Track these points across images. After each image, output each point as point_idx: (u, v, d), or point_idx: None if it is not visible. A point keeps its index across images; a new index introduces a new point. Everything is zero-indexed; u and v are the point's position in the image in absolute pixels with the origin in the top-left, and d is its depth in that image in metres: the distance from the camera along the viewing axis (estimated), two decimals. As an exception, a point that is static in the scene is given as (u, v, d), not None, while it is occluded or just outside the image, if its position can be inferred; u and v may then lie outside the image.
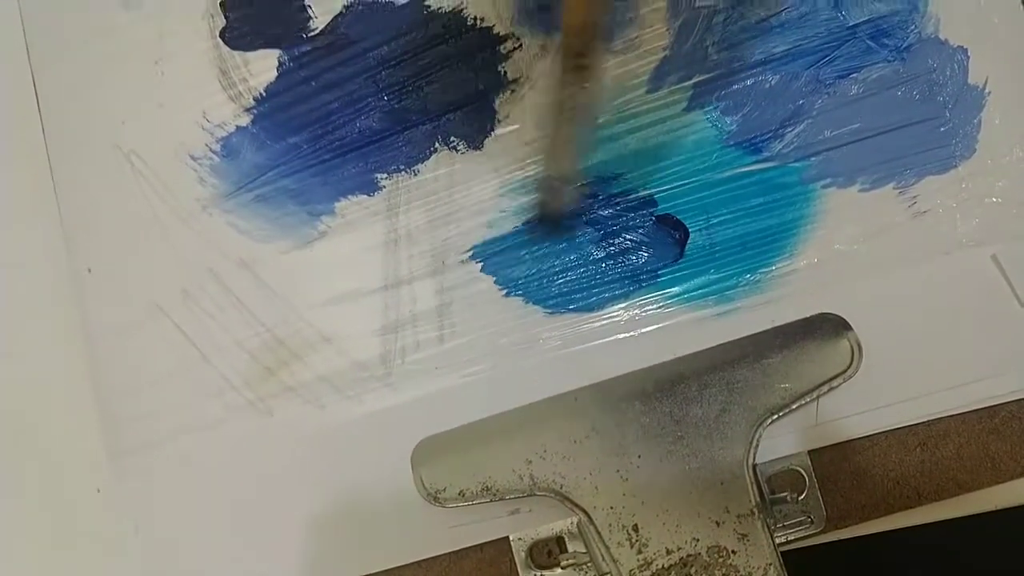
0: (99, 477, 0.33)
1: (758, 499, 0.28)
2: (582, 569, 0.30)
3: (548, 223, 0.31)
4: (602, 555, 0.28)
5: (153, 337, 0.33)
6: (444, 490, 0.30)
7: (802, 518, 0.31)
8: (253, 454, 0.32)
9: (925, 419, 0.30)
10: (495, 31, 0.33)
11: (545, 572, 0.31)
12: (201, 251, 0.33)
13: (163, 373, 0.33)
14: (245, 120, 0.34)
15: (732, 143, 0.32)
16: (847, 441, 0.31)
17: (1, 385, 0.34)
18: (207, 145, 0.34)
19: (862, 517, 0.31)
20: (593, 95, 0.28)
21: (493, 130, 0.33)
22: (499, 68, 0.32)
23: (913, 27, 0.32)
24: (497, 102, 0.33)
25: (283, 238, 0.33)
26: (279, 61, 0.33)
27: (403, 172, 0.33)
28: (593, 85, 0.27)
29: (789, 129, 0.32)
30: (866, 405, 0.31)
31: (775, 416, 0.29)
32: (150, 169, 0.34)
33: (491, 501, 0.30)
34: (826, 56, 0.32)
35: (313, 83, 0.33)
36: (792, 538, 0.30)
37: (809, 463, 0.31)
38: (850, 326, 0.30)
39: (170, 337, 0.33)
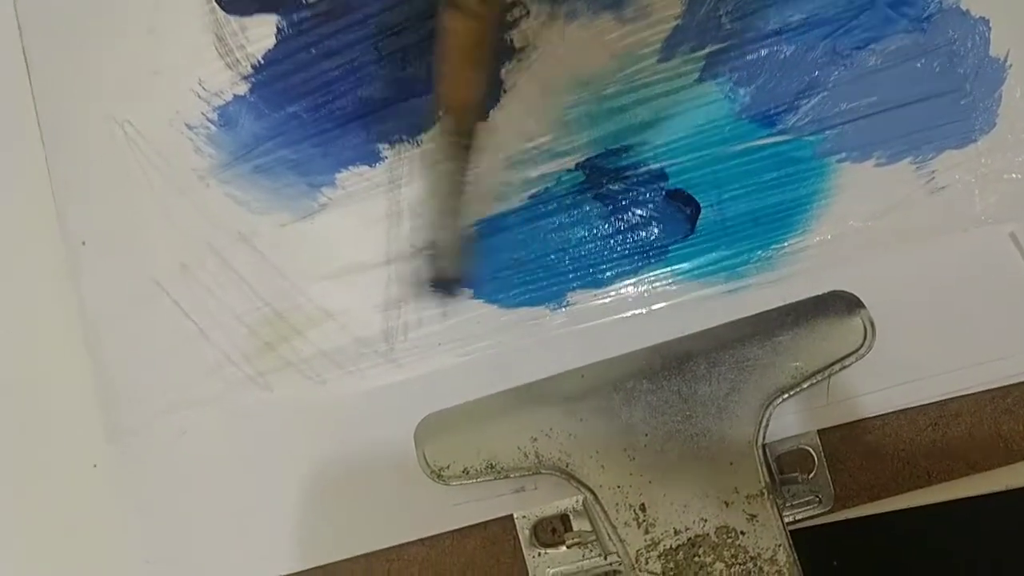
0: (96, 453, 0.33)
1: (767, 480, 0.28)
2: (587, 548, 0.30)
3: (440, 286, 0.31)
4: (609, 534, 0.28)
5: (150, 311, 0.33)
6: (448, 467, 0.29)
7: (810, 497, 0.30)
8: (253, 429, 0.32)
9: (937, 399, 0.30)
10: (501, -5, 0.31)
11: (549, 550, 0.30)
12: (199, 223, 0.33)
13: (161, 348, 0.33)
14: (243, 88, 0.33)
15: (745, 116, 0.31)
16: (858, 420, 0.30)
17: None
18: (203, 114, 0.33)
19: (871, 497, 0.30)
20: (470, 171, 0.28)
21: (499, 100, 0.32)
22: (505, 36, 0.31)
23: (938, -5, 0.30)
24: (503, 71, 0.32)
25: (283, 210, 0.32)
26: (277, 27, 0.32)
27: (406, 142, 0.32)
28: (472, 162, 0.28)
29: (804, 101, 0.31)
30: (878, 384, 0.30)
31: (785, 395, 0.29)
32: (145, 139, 0.33)
33: (495, 479, 0.29)
34: (843, 26, 0.31)
35: (313, 50, 0.32)
36: (800, 517, 0.30)
37: (819, 442, 0.30)
38: (863, 304, 0.29)
39: (168, 311, 0.33)
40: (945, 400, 0.30)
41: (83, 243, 0.33)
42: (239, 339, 0.32)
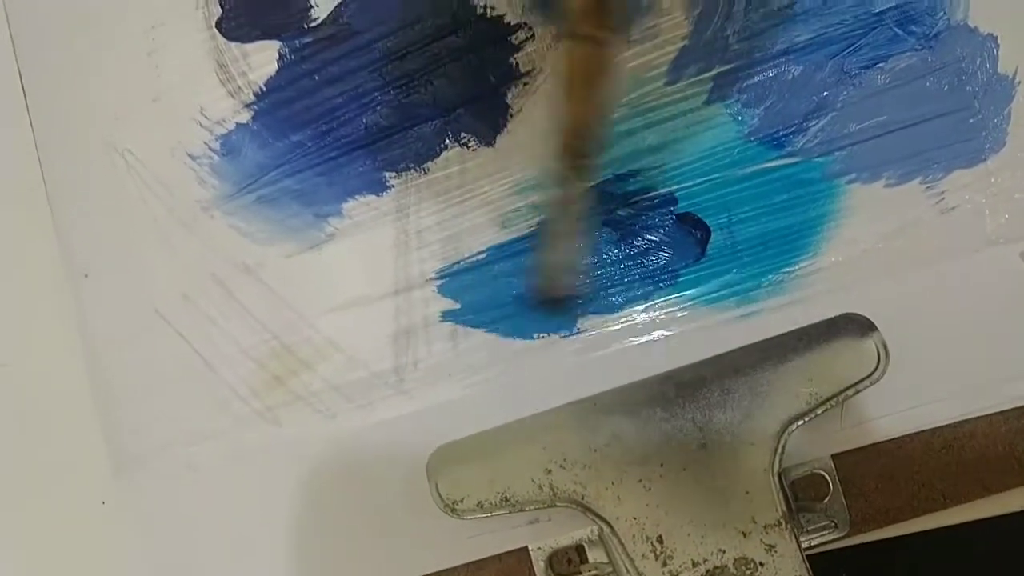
0: (104, 490, 0.32)
1: (784, 509, 0.28)
2: (604, 579, 0.29)
3: (550, 306, 0.31)
4: (626, 567, 0.28)
5: (155, 345, 0.32)
6: (462, 501, 0.29)
7: (826, 523, 0.30)
8: (262, 465, 0.32)
9: (951, 421, 0.30)
10: (506, 21, 0.31)
11: (565, 581, 0.30)
12: (203, 255, 0.32)
13: (166, 382, 0.32)
14: (245, 116, 0.32)
15: (754, 138, 0.31)
16: (871, 444, 0.30)
17: (-1, 397, 0.33)
18: (206, 143, 0.32)
19: (887, 520, 0.30)
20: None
21: (506, 125, 0.31)
22: (511, 60, 0.31)
23: (941, 14, 0.30)
24: (510, 96, 0.31)
25: (288, 241, 0.32)
26: (279, 53, 0.32)
27: (412, 170, 0.32)
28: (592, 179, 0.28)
29: (813, 123, 0.31)
30: (892, 407, 0.30)
31: (800, 422, 0.28)
32: (146, 168, 0.33)
33: (510, 512, 0.29)
34: (851, 45, 0.31)
35: (316, 77, 0.32)
36: (816, 543, 0.30)
37: (833, 467, 0.30)
38: (875, 327, 0.29)
39: (172, 345, 0.32)
40: (959, 422, 0.30)
41: (85, 275, 0.33)
42: (246, 373, 0.32)
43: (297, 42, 0.32)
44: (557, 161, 0.27)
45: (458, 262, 0.31)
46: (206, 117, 0.32)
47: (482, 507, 0.29)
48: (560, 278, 0.30)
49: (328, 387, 0.31)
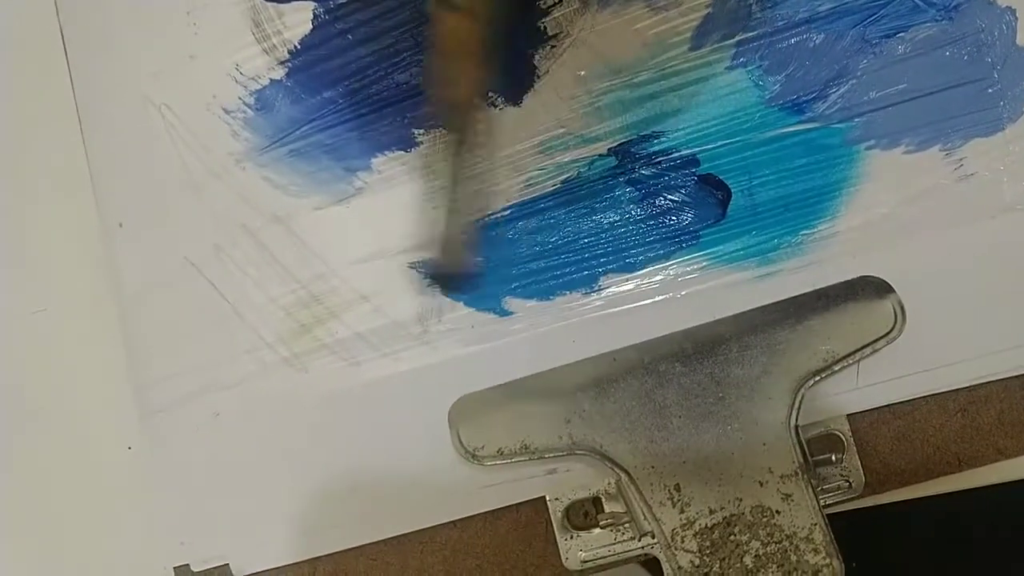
0: (130, 435, 0.33)
1: (801, 460, 0.28)
2: (620, 531, 0.30)
3: (445, 281, 0.31)
4: (644, 514, 0.28)
5: (186, 293, 0.33)
6: (482, 448, 0.30)
7: (840, 482, 0.30)
8: (287, 411, 0.32)
9: (967, 384, 0.30)
10: (536, -16, 0.32)
11: (582, 533, 0.30)
12: (234, 206, 0.33)
13: (196, 330, 0.33)
14: (279, 73, 0.33)
15: (775, 103, 0.31)
16: (887, 405, 0.31)
17: (31, 342, 0.34)
18: (240, 98, 0.33)
19: (901, 482, 0.31)
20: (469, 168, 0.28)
21: (532, 86, 0.32)
22: (539, 23, 0.32)
23: (966, -16, 0.31)
24: (536, 58, 0.32)
25: (318, 194, 0.33)
26: (314, 13, 0.33)
27: (440, 128, 0.32)
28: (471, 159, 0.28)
29: (833, 89, 0.31)
30: (907, 369, 0.30)
31: (817, 378, 0.29)
32: (182, 122, 0.33)
33: (529, 460, 0.29)
34: (872, 14, 0.31)
35: (349, 36, 0.33)
36: (830, 502, 0.30)
37: (848, 427, 0.31)
38: (893, 289, 0.30)
39: (203, 293, 0.33)
40: (975, 385, 0.30)
41: (120, 224, 0.33)
42: (274, 321, 0.32)
43: (331, 2, 0.33)
44: (444, 135, 0.27)
45: (483, 218, 0.32)
46: (241, 73, 0.33)
47: (502, 454, 0.29)
48: (456, 254, 0.29)
49: (354, 336, 0.32)
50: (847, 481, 0.30)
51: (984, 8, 0.31)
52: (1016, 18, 0.31)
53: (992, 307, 0.30)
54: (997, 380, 0.30)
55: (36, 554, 0.33)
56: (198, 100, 0.33)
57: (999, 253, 0.30)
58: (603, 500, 0.31)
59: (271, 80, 0.33)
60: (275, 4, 0.33)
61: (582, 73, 0.32)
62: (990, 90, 0.31)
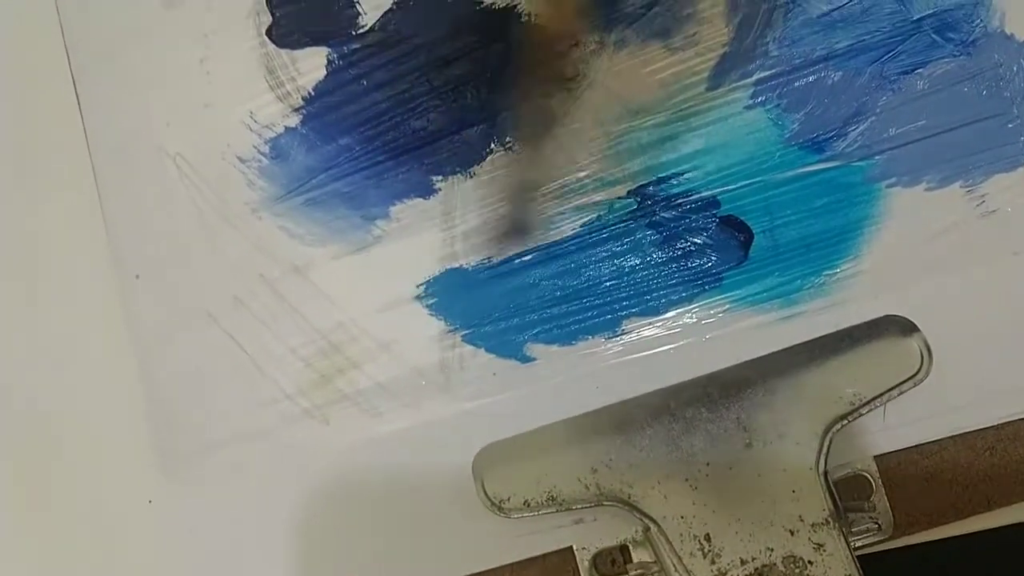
0: (151, 488, 0.32)
1: (832, 507, 0.28)
2: (649, 578, 0.29)
3: (515, 234, 0.31)
4: (675, 565, 0.28)
5: (204, 345, 0.33)
6: (508, 500, 0.29)
7: (868, 524, 0.30)
8: (309, 463, 0.32)
9: (994, 423, 0.30)
10: (550, 28, 0.32)
11: (609, 581, 0.30)
12: (252, 256, 0.33)
13: (215, 382, 0.33)
14: (294, 121, 0.33)
15: (794, 142, 0.31)
16: (914, 445, 0.30)
17: (50, 396, 0.33)
18: (255, 147, 0.33)
19: (930, 523, 0.30)
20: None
21: (550, 130, 0.32)
22: (555, 66, 0.32)
23: (978, 21, 0.31)
24: (553, 101, 0.32)
25: (336, 243, 0.32)
26: (328, 59, 0.33)
27: (459, 174, 0.32)
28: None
29: (853, 127, 0.31)
30: (935, 408, 0.30)
31: (844, 422, 0.29)
32: (196, 172, 0.33)
33: (556, 511, 0.29)
34: (890, 51, 0.31)
35: (364, 82, 0.32)
36: (859, 544, 0.30)
37: (875, 468, 0.30)
38: (917, 328, 0.29)
39: (221, 345, 0.32)
40: (1002, 424, 0.30)
41: (136, 276, 0.33)
42: (293, 372, 0.32)
43: (345, 48, 0.32)
44: (534, 73, 0.27)
45: (502, 264, 0.32)
46: (256, 121, 0.33)
47: (528, 506, 0.29)
48: (530, 202, 0.30)
49: (375, 386, 0.32)
50: (876, 523, 0.30)
51: (1001, 43, 0.31)
52: (1035, 52, 0.31)
53: (1018, 345, 0.30)
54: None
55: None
56: (212, 149, 0.33)
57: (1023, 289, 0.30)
58: (631, 548, 0.30)
59: (286, 128, 0.33)
60: (288, 51, 0.33)
61: (600, 115, 0.32)
62: (1010, 125, 0.31)
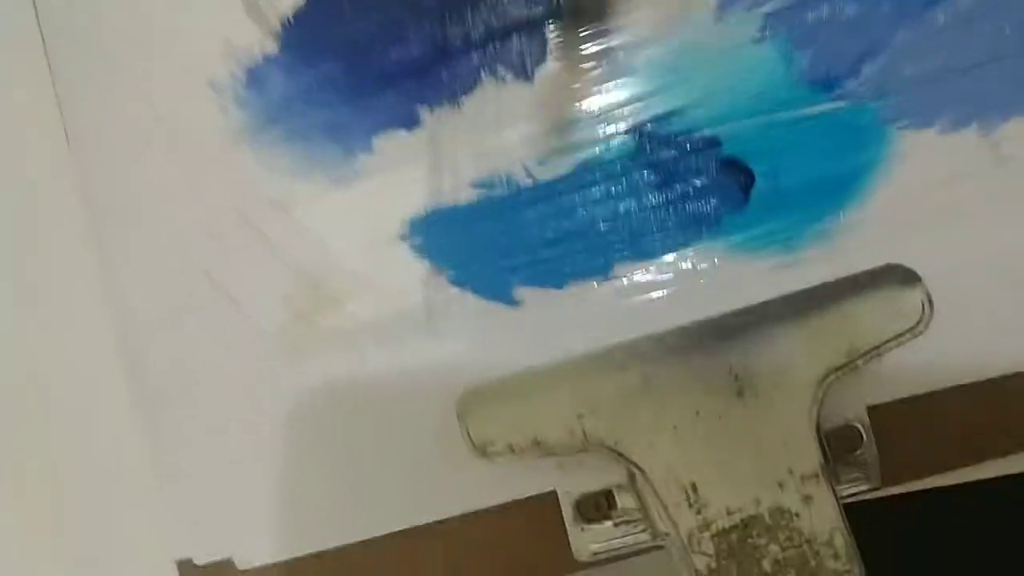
0: (135, 428, 0.32)
1: (822, 460, 0.27)
2: (634, 525, 0.29)
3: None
4: (659, 514, 0.27)
5: (180, 283, 0.31)
6: (492, 443, 0.29)
7: (856, 475, 0.30)
8: (289, 405, 0.31)
9: (993, 376, 0.29)
10: (548, -51, 0.30)
11: (593, 525, 0.30)
12: (228, 190, 0.31)
13: (192, 320, 0.31)
14: (272, 47, 0.31)
15: (804, 79, 0.30)
16: (909, 396, 0.30)
17: (28, 338, 0.32)
18: (231, 74, 0.31)
19: (919, 474, 0.30)
20: None
21: (544, 61, 0.30)
22: (553, -10, 0.30)
23: (1006, -49, 0.29)
24: (549, 31, 0.30)
25: (317, 176, 0.31)
26: (310, -20, 0.30)
27: (446, 105, 0.30)
28: None
29: (866, 64, 0.29)
30: (932, 359, 0.29)
31: (839, 372, 0.28)
32: (169, 105, 0.31)
33: (541, 456, 0.29)
34: (910, -20, 0.29)
35: (346, 6, 0.30)
36: (845, 494, 0.29)
37: (867, 418, 0.30)
38: (920, 278, 0.28)
39: (198, 282, 0.31)
40: (1001, 377, 0.29)
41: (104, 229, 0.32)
42: (273, 310, 0.31)
43: (328, -34, 0.30)
44: None
45: (491, 203, 0.31)
46: (232, 47, 0.31)
47: (512, 450, 0.29)
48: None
49: (357, 325, 0.31)
50: (864, 474, 0.30)
51: (1029, -24, 0.29)
52: (1062, -13, 0.29)
53: (1023, 298, 0.29)
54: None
55: (39, 546, 0.33)
56: (186, 78, 0.31)
57: (1034, 242, 0.29)
58: (616, 493, 0.30)
59: (264, 55, 0.31)
60: (269, -31, 0.31)
61: (599, 45, 0.30)
62: (1032, 65, 0.29)
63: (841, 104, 0.30)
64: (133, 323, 0.32)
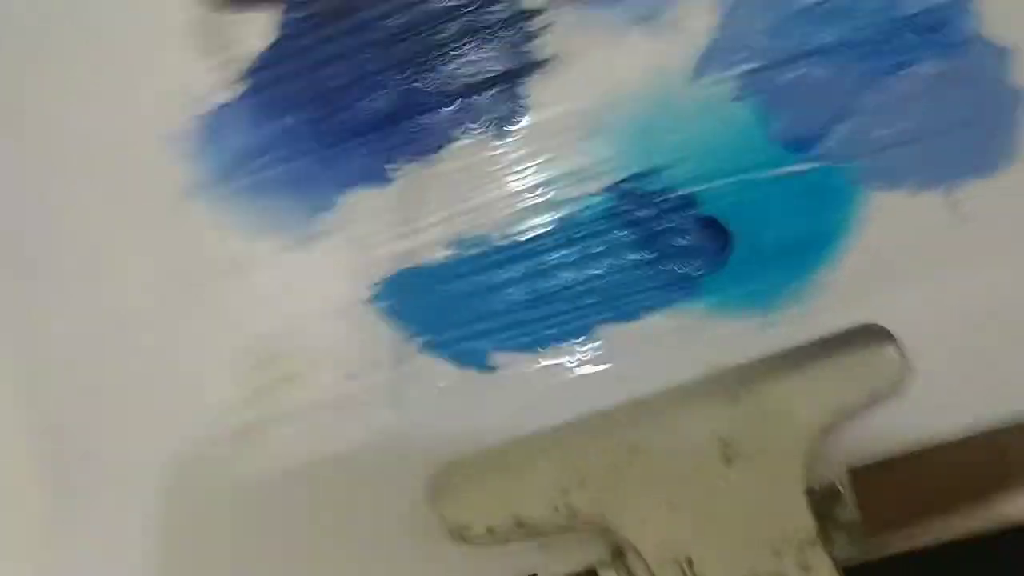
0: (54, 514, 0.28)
1: (815, 525, 0.26)
2: (621, 605, 0.27)
3: None
4: (654, 594, 0.26)
5: (116, 350, 0.28)
6: (470, 526, 0.27)
7: (839, 535, 0.29)
8: (244, 485, 0.28)
9: (972, 432, 0.29)
10: (525, 4, 0.29)
11: (577, 607, 0.28)
12: (178, 251, 0.29)
13: (136, 392, 0.28)
14: (232, 95, 0.29)
15: (778, 140, 0.30)
16: (887, 455, 0.29)
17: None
18: (184, 123, 0.29)
19: (902, 532, 0.30)
20: None
21: (521, 116, 0.29)
22: (529, 46, 0.29)
23: (966, 22, 0.30)
24: (526, 84, 0.29)
25: (277, 236, 0.29)
26: (273, 26, 0.29)
27: (417, 161, 0.29)
28: None
29: (837, 127, 0.30)
30: (911, 418, 0.29)
31: (824, 433, 0.27)
32: (116, 155, 0.29)
33: (525, 538, 0.27)
34: (877, 49, 0.30)
35: (313, 54, 0.29)
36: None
37: (847, 479, 0.29)
38: (894, 337, 0.28)
39: (137, 351, 0.28)
40: (979, 434, 0.29)
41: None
42: (224, 385, 0.29)
43: (293, 15, 0.29)
44: None
45: (464, 265, 0.29)
46: (188, 95, 0.29)
47: (492, 533, 0.27)
48: None
49: (319, 399, 0.29)
50: (846, 533, 0.29)
51: (984, 47, 0.30)
52: (1014, 57, 0.30)
53: (996, 353, 0.29)
54: (1002, 428, 0.29)
55: None
56: (136, 127, 0.29)
57: (1003, 297, 0.29)
58: (599, 572, 0.28)
59: (221, 104, 0.29)
60: (228, 14, 0.29)
61: (575, 103, 0.29)
62: (991, 129, 0.30)
63: (815, 165, 0.30)
64: (64, 404, 0.28)
